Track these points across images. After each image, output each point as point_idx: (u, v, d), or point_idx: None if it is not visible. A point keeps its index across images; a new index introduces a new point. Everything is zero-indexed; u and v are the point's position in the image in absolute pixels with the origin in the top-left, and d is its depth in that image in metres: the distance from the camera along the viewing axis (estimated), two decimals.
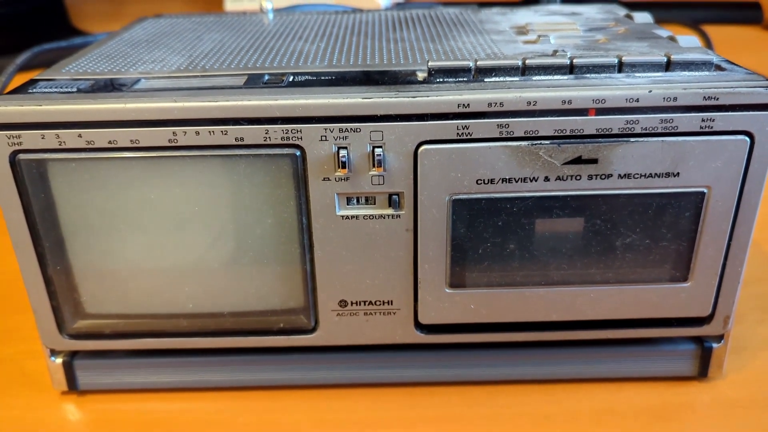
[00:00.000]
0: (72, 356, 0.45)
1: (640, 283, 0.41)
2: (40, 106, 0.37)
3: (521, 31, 0.49)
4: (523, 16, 0.54)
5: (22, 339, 0.50)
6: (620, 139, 0.37)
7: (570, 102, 0.37)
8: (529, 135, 0.37)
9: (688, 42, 0.44)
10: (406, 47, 0.46)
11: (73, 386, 0.45)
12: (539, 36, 0.46)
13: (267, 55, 0.45)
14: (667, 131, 0.37)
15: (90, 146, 0.37)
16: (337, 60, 0.43)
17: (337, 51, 0.46)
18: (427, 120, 0.37)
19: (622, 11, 0.55)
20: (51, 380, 0.45)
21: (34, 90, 0.39)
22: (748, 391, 0.45)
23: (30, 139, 0.37)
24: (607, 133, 0.37)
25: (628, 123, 0.37)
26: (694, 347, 0.45)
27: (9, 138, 0.37)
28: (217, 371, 0.45)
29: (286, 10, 0.67)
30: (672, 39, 0.45)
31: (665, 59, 0.39)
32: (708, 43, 0.85)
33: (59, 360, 0.45)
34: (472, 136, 0.37)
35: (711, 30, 1.03)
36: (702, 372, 0.45)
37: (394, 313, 0.42)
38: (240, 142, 0.37)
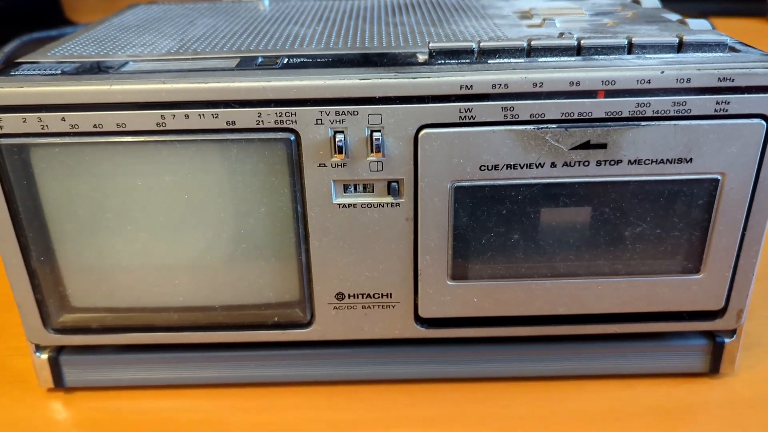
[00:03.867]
0: (58, 352, 0.43)
1: (650, 275, 0.40)
2: (21, 88, 0.35)
3: (525, 15, 0.47)
4: (527, 1, 0.52)
5: (9, 336, 0.49)
6: (631, 122, 0.36)
7: (578, 83, 0.35)
8: (535, 118, 0.36)
9: (699, 25, 0.43)
10: (406, 31, 0.44)
11: (59, 383, 0.44)
12: (544, 20, 0.45)
13: (261, 38, 0.43)
14: (680, 114, 0.36)
15: (74, 130, 0.36)
16: (334, 43, 0.42)
17: (334, 34, 0.44)
18: (427, 102, 0.35)
19: None
20: (36, 377, 0.44)
21: (17, 72, 0.37)
22: (761, 389, 0.43)
23: (11, 122, 0.36)
24: (616, 116, 0.36)
25: (639, 106, 0.35)
26: (705, 342, 0.43)
27: None
28: (210, 367, 0.44)
29: None
30: (682, 22, 0.44)
31: (677, 40, 0.37)
32: None
33: (45, 356, 0.43)
34: (475, 120, 0.36)
35: (715, 22, 1.01)
36: (714, 368, 0.43)
37: (394, 307, 0.41)
38: (231, 126, 0.36)
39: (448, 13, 0.49)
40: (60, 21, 1.13)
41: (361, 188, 0.38)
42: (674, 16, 0.45)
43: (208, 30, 0.46)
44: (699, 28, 0.42)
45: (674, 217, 0.38)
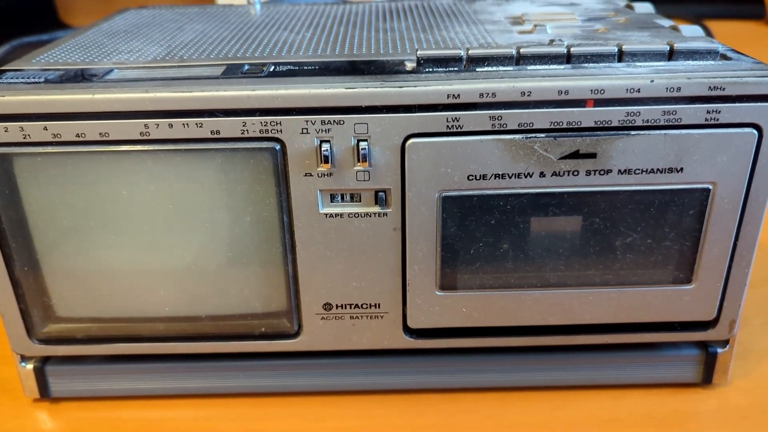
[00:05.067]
0: (44, 362, 0.43)
1: (641, 286, 0.39)
2: (3, 96, 0.35)
3: (517, 21, 0.47)
4: (519, 6, 0.52)
5: None
6: (620, 132, 0.35)
7: (567, 92, 0.35)
8: (523, 128, 0.35)
9: (691, 31, 0.42)
10: (395, 37, 0.44)
11: (45, 393, 0.43)
12: (535, 26, 0.44)
13: (249, 45, 0.43)
14: (670, 123, 0.35)
15: (56, 140, 0.35)
16: (322, 50, 0.41)
17: (322, 41, 0.43)
18: (415, 112, 0.35)
19: (622, 1, 0.53)
20: (22, 387, 0.43)
21: (0, 81, 0.37)
22: (754, 398, 0.43)
23: None
24: (606, 125, 0.35)
25: (628, 115, 0.35)
26: (698, 352, 0.43)
27: None
28: (196, 377, 0.43)
29: (274, 1, 0.64)
30: (675, 29, 0.43)
31: (668, 48, 0.36)
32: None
33: (30, 366, 0.42)
34: (463, 129, 0.35)
35: (713, 25, 1.01)
36: (706, 378, 0.43)
37: (382, 317, 0.40)
38: (216, 136, 0.35)
39: (440, 18, 0.49)
40: (54, 24, 1.13)
41: (348, 198, 0.37)
42: (667, 22, 0.45)
43: (197, 36, 0.46)
44: (691, 34, 0.42)
45: (665, 227, 0.38)
